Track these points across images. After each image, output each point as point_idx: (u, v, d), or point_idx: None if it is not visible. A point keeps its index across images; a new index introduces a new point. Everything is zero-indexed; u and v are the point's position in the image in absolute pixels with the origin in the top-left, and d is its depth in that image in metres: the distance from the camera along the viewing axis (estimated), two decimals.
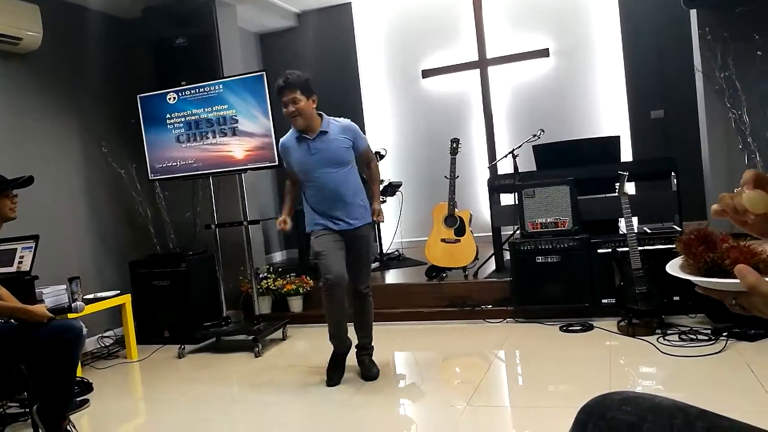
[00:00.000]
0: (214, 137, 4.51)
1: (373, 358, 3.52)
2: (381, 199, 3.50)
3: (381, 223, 3.83)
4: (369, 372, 3.42)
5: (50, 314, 2.77)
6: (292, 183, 3.57)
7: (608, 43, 6.04)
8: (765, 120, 4.04)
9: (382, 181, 5.94)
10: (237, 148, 4.44)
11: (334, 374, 3.41)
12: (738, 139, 4.14)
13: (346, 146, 3.32)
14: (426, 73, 6.53)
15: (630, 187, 4.36)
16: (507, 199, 4.89)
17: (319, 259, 3.26)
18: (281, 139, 3.49)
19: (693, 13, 4.38)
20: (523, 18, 6.34)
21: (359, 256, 3.39)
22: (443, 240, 4.75)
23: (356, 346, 3.53)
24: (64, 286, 3.86)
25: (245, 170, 4.49)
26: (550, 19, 6.22)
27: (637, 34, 5.90)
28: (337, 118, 3.39)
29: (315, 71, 6.66)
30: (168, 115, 4.61)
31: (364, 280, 3.44)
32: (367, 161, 3.51)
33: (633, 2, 5.93)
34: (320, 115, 3.35)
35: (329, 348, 3.49)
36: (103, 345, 4.65)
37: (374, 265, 5.72)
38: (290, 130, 3.39)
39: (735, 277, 0.79)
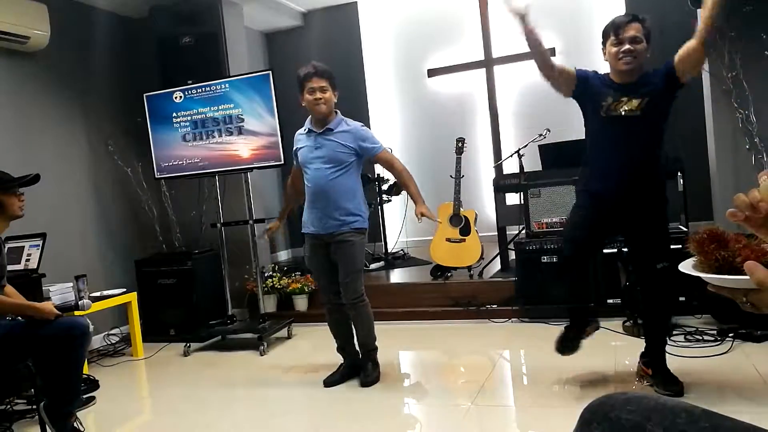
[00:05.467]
0: (220, 136, 4.52)
1: (377, 361, 3.44)
2: (423, 201, 3.27)
3: (431, 221, 3.41)
4: (365, 378, 3.35)
5: (57, 312, 2.80)
6: (291, 182, 3.56)
7: None
8: None
9: (387, 180, 5.96)
10: (243, 147, 4.45)
11: (332, 376, 3.41)
12: (745, 140, 4.12)
13: (346, 151, 3.25)
14: (432, 72, 6.51)
15: None
16: (512, 198, 4.88)
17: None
18: (297, 132, 3.45)
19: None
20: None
21: (341, 265, 3.27)
22: (448, 239, 4.75)
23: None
24: (71, 284, 3.89)
25: (251, 169, 4.50)
26: (556, 18, 6.19)
27: None
28: (349, 121, 3.33)
29: None
30: (174, 114, 4.62)
31: (348, 291, 3.27)
32: (388, 165, 3.40)
33: (639, 1, 5.90)
34: (336, 112, 3.34)
35: (334, 347, 3.50)
36: (109, 343, 4.68)
37: (379, 264, 5.74)
38: (306, 122, 3.35)
39: (745, 275, 0.79)
